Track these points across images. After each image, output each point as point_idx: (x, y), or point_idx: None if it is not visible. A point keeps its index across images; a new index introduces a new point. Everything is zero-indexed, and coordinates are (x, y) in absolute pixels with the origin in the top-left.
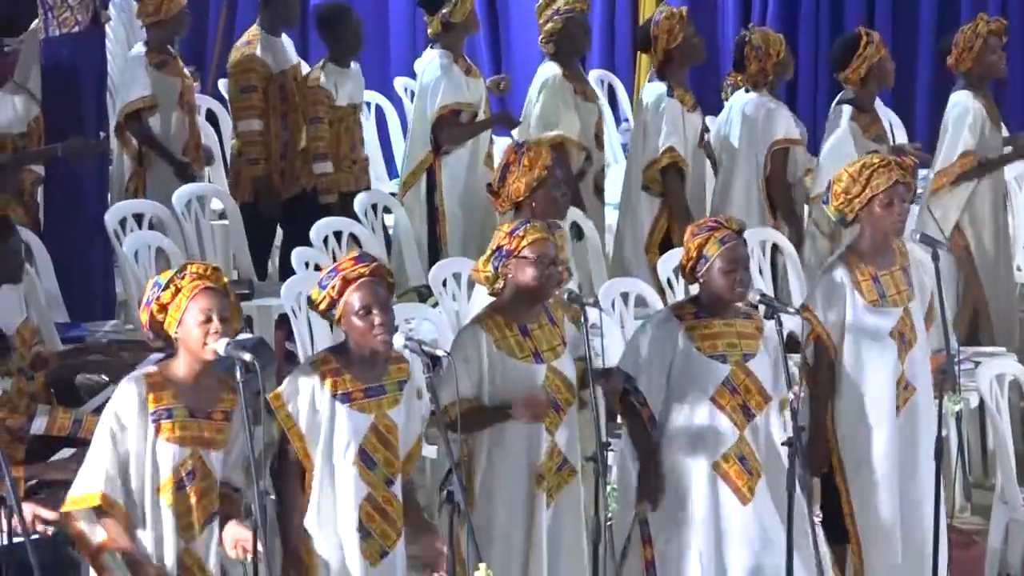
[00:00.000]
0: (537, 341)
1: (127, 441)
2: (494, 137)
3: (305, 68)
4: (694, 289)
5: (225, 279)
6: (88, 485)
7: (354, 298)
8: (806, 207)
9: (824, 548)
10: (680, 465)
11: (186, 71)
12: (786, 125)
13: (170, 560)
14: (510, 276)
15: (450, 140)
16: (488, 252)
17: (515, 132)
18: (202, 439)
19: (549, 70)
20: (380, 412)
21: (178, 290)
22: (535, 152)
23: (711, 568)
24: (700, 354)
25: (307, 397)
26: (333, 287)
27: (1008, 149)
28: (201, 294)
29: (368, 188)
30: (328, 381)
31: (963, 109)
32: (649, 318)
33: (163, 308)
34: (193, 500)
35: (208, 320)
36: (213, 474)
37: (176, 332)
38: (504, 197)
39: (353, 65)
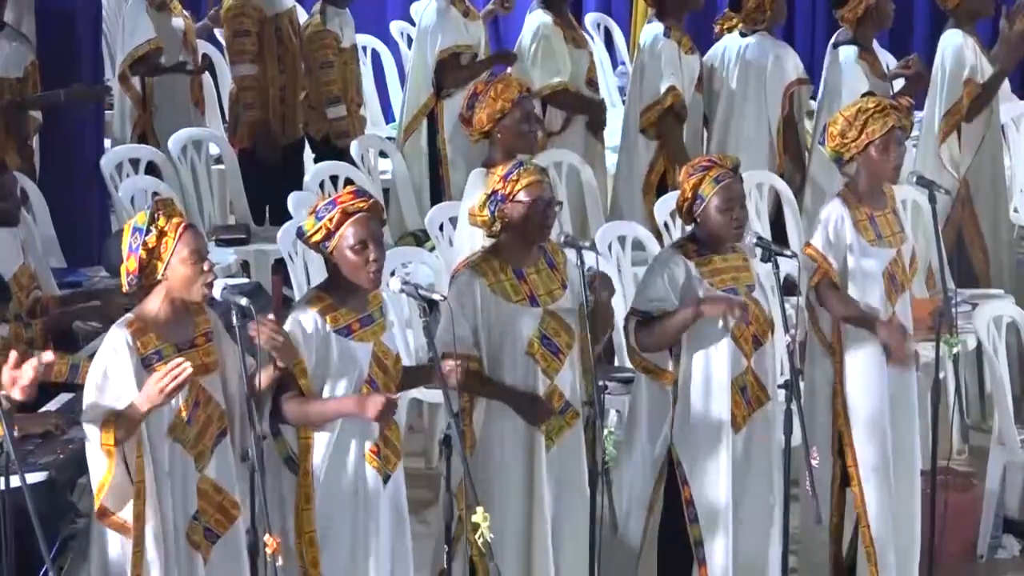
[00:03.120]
0: (533, 285)
1: (119, 391)
2: None
3: (301, 13)
4: (689, 229)
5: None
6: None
7: (351, 232)
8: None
9: (821, 491)
10: (703, 399)
11: (185, 13)
12: (795, 64)
13: (191, 491)
14: (506, 220)
15: (454, 83)
16: (483, 196)
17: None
18: (196, 368)
19: (538, 19)
20: (376, 339)
21: (162, 232)
22: (504, 84)
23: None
24: (714, 289)
25: (312, 334)
26: (331, 219)
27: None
28: (187, 234)
29: (362, 132)
30: (328, 317)
31: (957, 46)
32: (655, 259)
33: (151, 252)
34: (200, 429)
35: (199, 260)
36: (215, 398)
37: (164, 275)
38: (474, 126)
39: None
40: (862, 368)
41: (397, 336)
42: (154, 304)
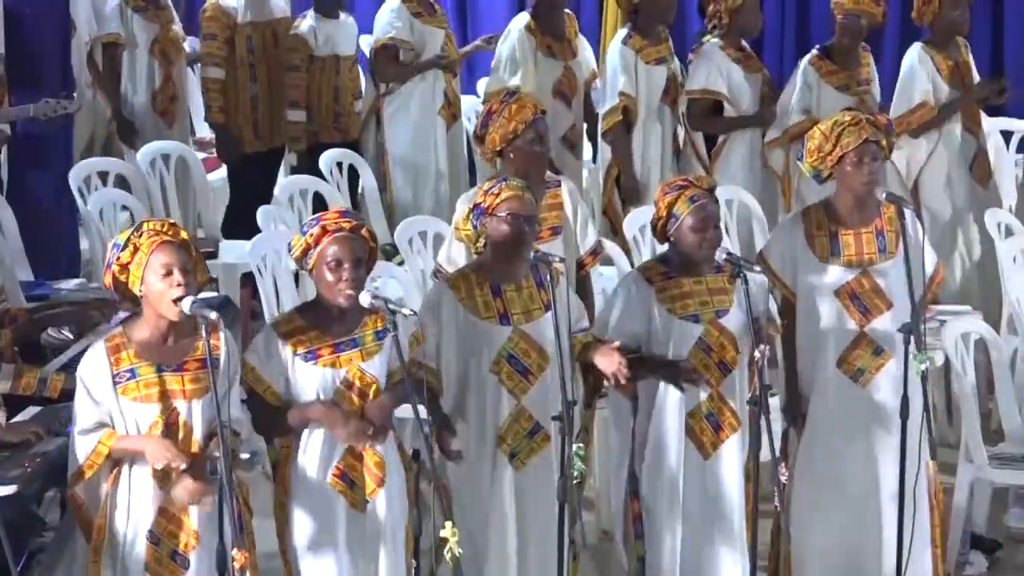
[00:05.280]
0: (509, 303)
1: (101, 402)
2: (459, 94)
3: None
4: (661, 247)
5: (184, 233)
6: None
7: (329, 250)
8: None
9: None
10: (659, 424)
11: (174, 26)
12: (706, 76)
13: (150, 513)
14: (487, 234)
15: (384, 76)
16: (466, 210)
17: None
18: (173, 392)
19: (517, 22)
20: (353, 366)
21: (137, 248)
22: (519, 105)
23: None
24: (672, 316)
25: (266, 358)
26: (312, 235)
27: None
28: (160, 249)
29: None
30: (289, 341)
31: (914, 61)
32: (619, 284)
33: (124, 268)
34: None
35: (169, 274)
36: (190, 424)
37: (140, 290)
38: (485, 146)
39: (343, 16)
40: (811, 375)
41: None
42: (144, 322)
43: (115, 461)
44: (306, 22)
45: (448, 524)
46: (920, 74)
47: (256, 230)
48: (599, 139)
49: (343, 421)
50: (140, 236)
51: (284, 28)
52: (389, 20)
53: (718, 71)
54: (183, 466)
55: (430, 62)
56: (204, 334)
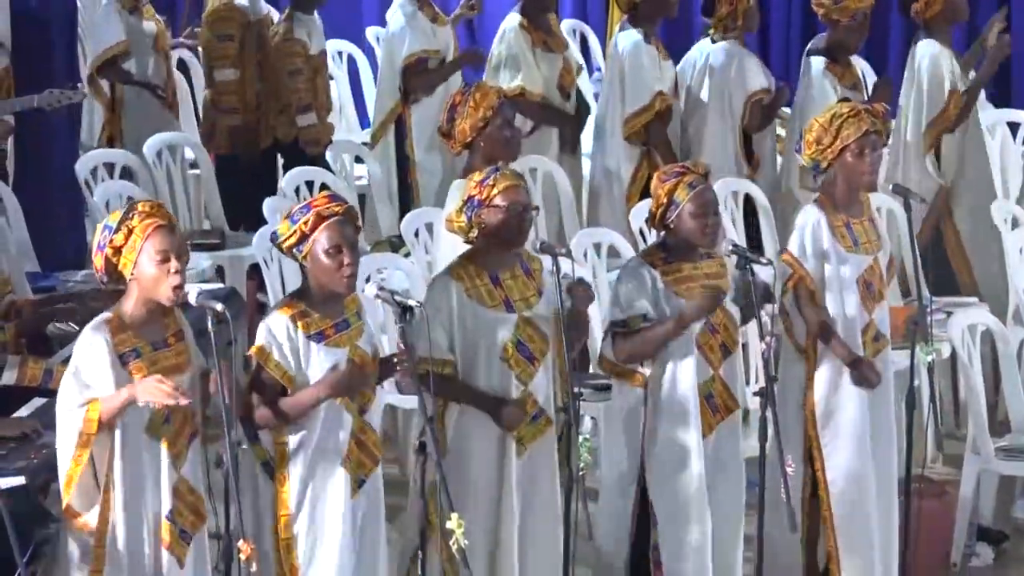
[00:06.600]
0: (508, 290)
1: (97, 385)
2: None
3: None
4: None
5: (171, 215)
6: (79, 415)
7: (324, 236)
8: (779, 159)
9: (795, 497)
10: (668, 408)
11: (158, 17)
12: (760, 73)
13: (166, 491)
14: (483, 225)
15: (420, 88)
16: (460, 203)
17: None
18: (170, 367)
19: (509, 21)
20: (352, 344)
21: (131, 231)
22: (482, 93)
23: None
24: (680, 299)
25: (286, 342)
26: (306, 222)
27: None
28: (155, 234)
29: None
30: (300, 323)
31: (933, 55)
32: (622, 269)
33: (117, 251)
34: (177, 428)
35: (166, 260)
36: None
37: (132, 273)
38: (454, 139)
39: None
40: (837, 374)
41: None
42: (130, 303)
43: (104, 466)
44: (296, 24)
45: (454, 516)
46: (945, 67)
47: (250, 225)
48: (601, 137)
49: (347, 376)
50: (133, 219)
51: (268, 25)
52: (412, 33)
53: (762, 68)
54: (184, 401)
55: (453, 65)
56: (210, 325)
